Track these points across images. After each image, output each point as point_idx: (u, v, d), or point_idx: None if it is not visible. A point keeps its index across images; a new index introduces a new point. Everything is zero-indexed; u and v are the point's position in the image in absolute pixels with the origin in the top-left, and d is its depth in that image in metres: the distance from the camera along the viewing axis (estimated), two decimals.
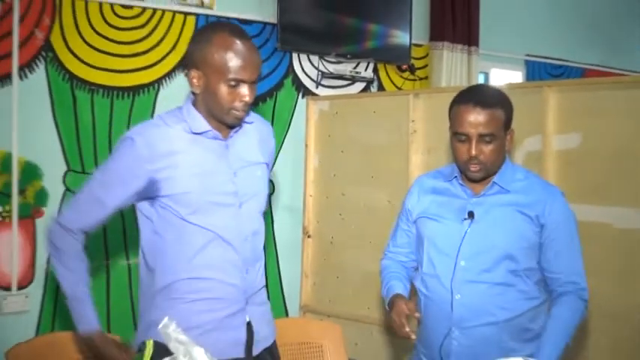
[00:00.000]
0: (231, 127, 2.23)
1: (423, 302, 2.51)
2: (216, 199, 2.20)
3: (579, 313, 2.38)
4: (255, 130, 2.36)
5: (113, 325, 4.03)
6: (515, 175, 2.44)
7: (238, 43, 2.11)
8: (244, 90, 2.13)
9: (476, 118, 2.31)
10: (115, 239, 4.04)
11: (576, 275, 2.40)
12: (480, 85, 2.40)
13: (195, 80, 2.14)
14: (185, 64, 2.22)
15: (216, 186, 2.20)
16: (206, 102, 2.17)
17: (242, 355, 2.23)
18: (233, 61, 2.09)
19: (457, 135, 2.36)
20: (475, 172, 2.37)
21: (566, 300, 2.37)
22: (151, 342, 2.16)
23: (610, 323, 3.25)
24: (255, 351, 2.28)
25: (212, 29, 2.20)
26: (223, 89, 2.11)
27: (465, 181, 2.45)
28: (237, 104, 2.14)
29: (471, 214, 2.39)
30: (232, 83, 2.11)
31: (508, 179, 2.40)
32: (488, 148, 2.32)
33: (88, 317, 2.24)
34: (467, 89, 2.52)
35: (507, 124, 2.37)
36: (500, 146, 2.36)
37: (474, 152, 2.32)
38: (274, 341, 2.39)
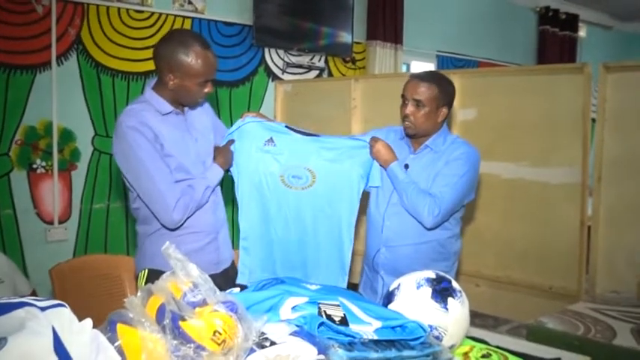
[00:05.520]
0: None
1: (366, 225, 2.53)
2: (188, 160, 2.16)
3: (421, 197, 2.27)
4: None
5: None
6: (446, 141, 2.39)
7: (206, 54, 2.07)
8: (208, 85, 2.13)
9: (413, 86, 2.32)
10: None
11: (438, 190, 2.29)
12: (433, 70, 2.33)
13: (171, 82, 2.08)
14: (159, 66, 2.10)
15: (185, 150, 2.16)
16: (177, 94, 2.12)
17: (217, 271, 2.24)
18: (204, 68, 2.07)
19: (402, 97, 2.37)
20: (407, 128, 2.37)
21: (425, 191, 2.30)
22: (146, 271, 2.16)
23: (498, 246, 3.35)
24: (220, 269, 2.29)
25: (185, 44, 2.06)
26: (195, 88, 2.10)
27: (410, 141, 2.43)
28: (203, 95, 2.16)
29: (406, 166, 2.37)
30: (202, 83, 2.10)
31: (439, 144, 2.37)
32: (418, 113, 2.31)
33: (214, 170, 2.22)
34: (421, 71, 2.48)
35: (440, 100, 2.31)
36: (429, 114, 2.31)
37: (407, 111, 2.33)
38: (232, 262, 2.38)
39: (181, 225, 2.14)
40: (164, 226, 2.13)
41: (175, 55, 2.05)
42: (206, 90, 2.14)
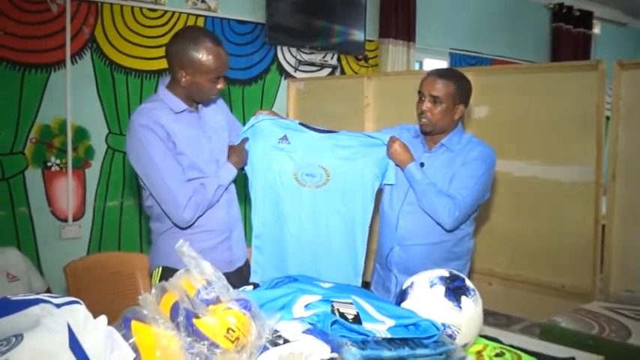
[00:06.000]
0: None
1: (379, 223, 2.51)
2: (201, 158, 2.16)
3: (440, 198, 2.25)
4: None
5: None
6: (461, 140, 2.37)
7: (218, 50, 2.07)
8: (221, 81, 2.14)
9: (430, 82, 2.30)
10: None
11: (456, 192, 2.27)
12: (449, 67, 2.29)
13: (183, 79, 2.08)
14: (171, 64, 2.11)
15: (198, 148, 2.16)
16: (190, 91, 2.12)
17: (231, 270, 2.23)
18: (215, 64, 2.06)
19: (418, 93, 2.34)
20: (423, 125, 2.34)
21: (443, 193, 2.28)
22: (160, 268, 2.15)
23: (510, 244, 3.33)
24: (234, 268, 2.28)
25: (196, 40, 2.06)
26: (207, 84, 2.10)
27: (425, 139, 2.41)
28: (215, 91, 2.15)
29: (422, 164, 2.35)
30: (214, 80, 2.10)
31: (454, 142, 2.35)
32: (435, 109, 2.28)
33: (227, 169, 2.21)
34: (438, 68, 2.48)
35: (457, 97, 2.29)
36: (446, 111, 2.29)
37: (423, 107, 2.30)
38: (246, 260, 2.38)
39: (193, 223, 2.13)
40: (176, 225, 2.13)
41: (186, 51, 2.06)
42: (219, 86, 2.14)
